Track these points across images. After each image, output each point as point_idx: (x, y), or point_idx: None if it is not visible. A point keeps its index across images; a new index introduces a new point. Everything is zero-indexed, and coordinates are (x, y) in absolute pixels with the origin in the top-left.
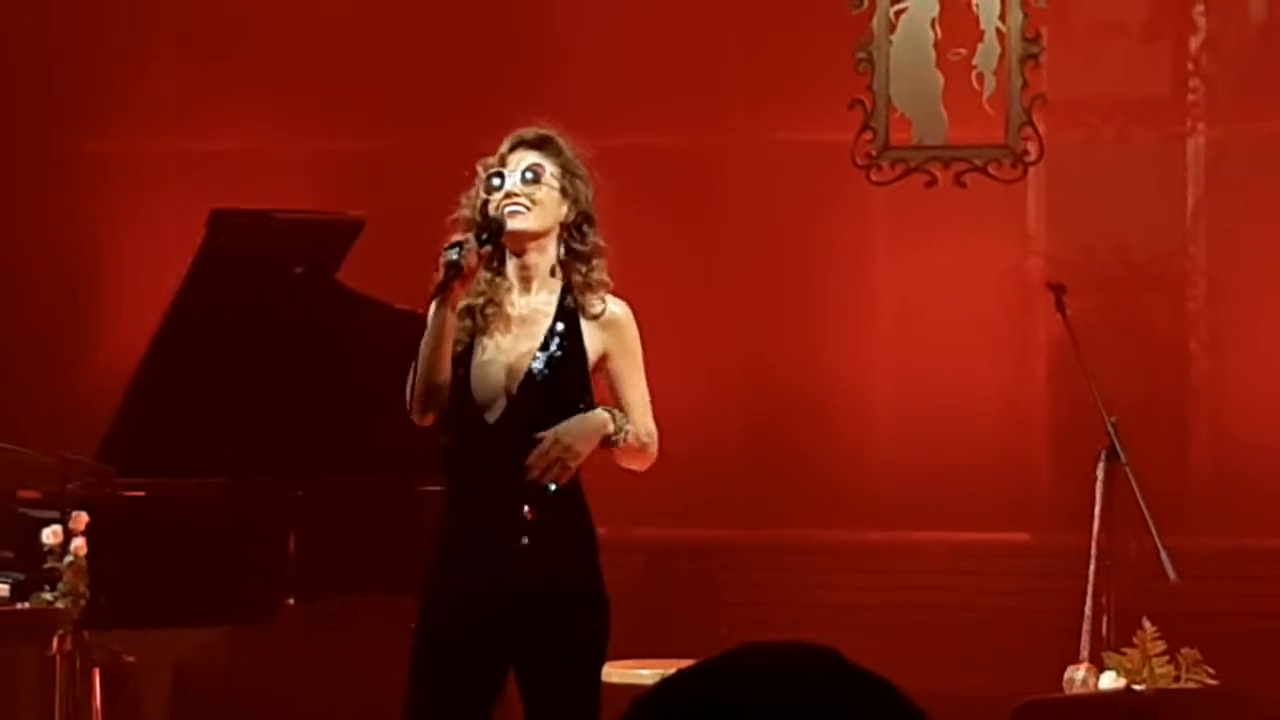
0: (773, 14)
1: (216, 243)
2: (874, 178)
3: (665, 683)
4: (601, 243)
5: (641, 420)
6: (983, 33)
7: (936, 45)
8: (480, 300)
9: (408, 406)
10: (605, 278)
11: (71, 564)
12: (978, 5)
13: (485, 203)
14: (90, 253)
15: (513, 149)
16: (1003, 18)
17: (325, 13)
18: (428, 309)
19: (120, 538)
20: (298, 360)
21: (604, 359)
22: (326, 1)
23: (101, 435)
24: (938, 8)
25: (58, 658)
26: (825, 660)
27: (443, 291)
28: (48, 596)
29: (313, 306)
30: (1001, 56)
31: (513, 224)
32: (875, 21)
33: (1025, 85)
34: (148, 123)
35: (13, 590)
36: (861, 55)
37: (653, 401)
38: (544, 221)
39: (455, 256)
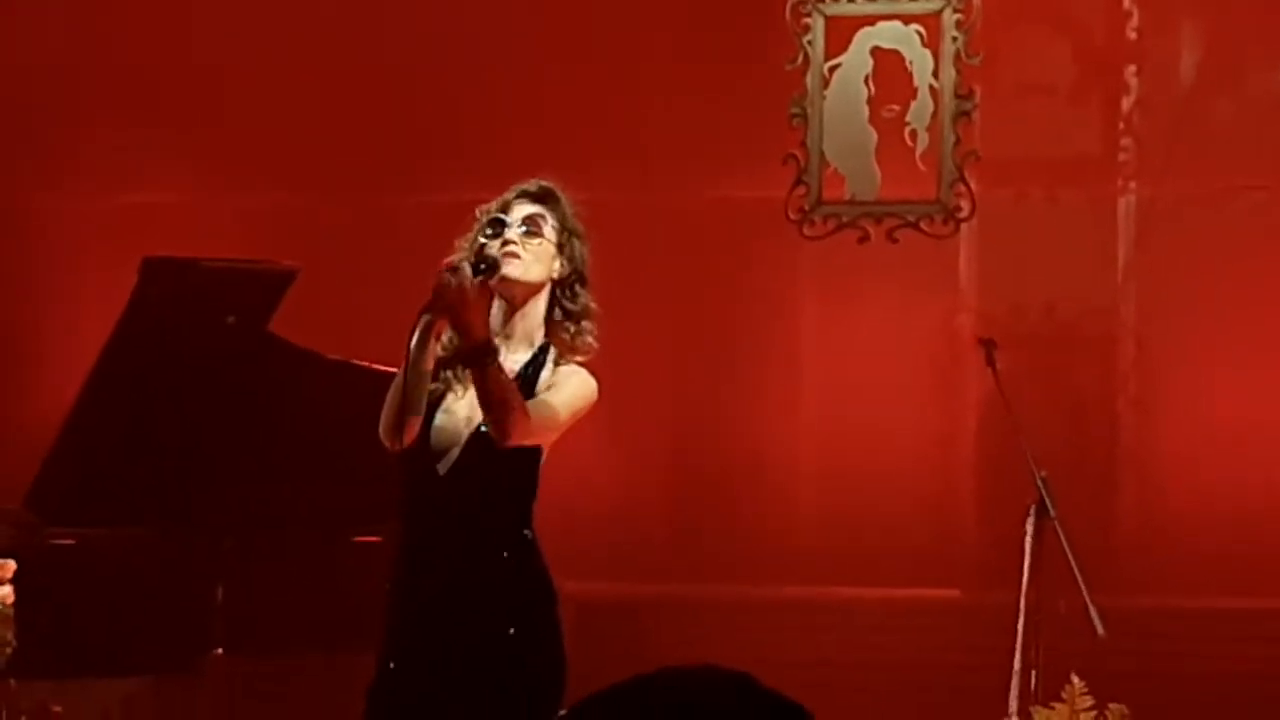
0: (706, 69)
1: (148, 291)
2: (807, 232)
3: (582, 706)
4: (593, 305)
5: (541, 404)
6: (916, 89)
7: (870, 101)
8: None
9: (380, 429)
10: (591, 341)
11: None
12: (911, 62)
13: (482, 246)
14: (19, 306)
15: (516, 198)
16: (936, 75)
17: (248, 70)
18: (411, 336)
19: (48, 586)
20: (229, 410)
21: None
22: (249, 60)
23: (30, 483)
24: (871, 64)
25: None
26: (738, 683)
27: (432, 313)
28: None
29: (244, 356)
30: (934, 113)
31: (507, 269)
32: (809, 77)
33: (958, 142)
34: (73, 177)
35: None
36: (795, 110)
37: (581, 457)
38: (537, 274)
39: (449, 279)
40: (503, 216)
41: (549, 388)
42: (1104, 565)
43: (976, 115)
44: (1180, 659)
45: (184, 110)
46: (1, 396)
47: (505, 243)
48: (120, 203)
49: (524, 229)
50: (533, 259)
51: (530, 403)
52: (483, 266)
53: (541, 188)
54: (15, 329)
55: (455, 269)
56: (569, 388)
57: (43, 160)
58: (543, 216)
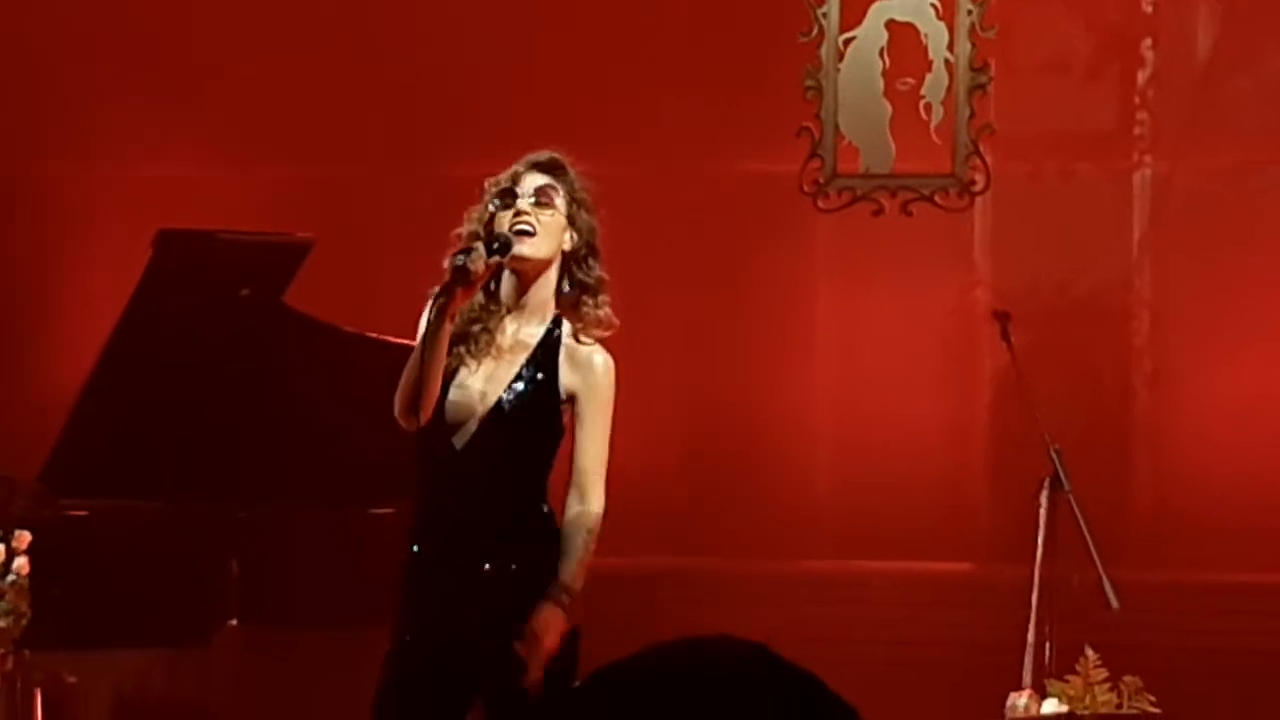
0: (720, 42)
1: (163, 263)
2: (821, 205)
3: (598, 675)
4: (605, 276)
5: (584, 484)
6: (931, 62)
7: (885, 74)
8: (475, 327)
9: (395, 409)
10: (611, 314)
11: (14, 583)
12: (926, 35)
13: (492, 218)
14: (33, 277)
15: (526, 169)
16: (951, 48)
17: (267, 42)
18: (421, 316)
19: (62, 558)
20: (243, 382)
21: (572, 399)
22: (268, 31)
23: (45, 456)
24: (886, 37)
25: None
26: (754, 653)
27: (446, 294)
28: None
29: (259, 328)
30: (949, 86)
31: (520, 248)
32: (824, 50)
33: (973, 115)
34: (90, 149)
35: None
36: (810, 83)
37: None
38: (549, 248)
39: (463, 261)
40: (514, 188)
41: (571, 396)
42: (1118, 538)
43: (991, 89)
44: (1194, 632)
45: (200, 83)
46: (17, 368)
47: (517, 213)
48: (137, 175)
49: (535, 200)
50: (544, 233)
51: (576, 474)
52: (495, 246)
53: (551, 159)
54: (32, 300)
55: (469, 250)
56: (594, 410)
57: (61, 133)
58: (554, 187)
